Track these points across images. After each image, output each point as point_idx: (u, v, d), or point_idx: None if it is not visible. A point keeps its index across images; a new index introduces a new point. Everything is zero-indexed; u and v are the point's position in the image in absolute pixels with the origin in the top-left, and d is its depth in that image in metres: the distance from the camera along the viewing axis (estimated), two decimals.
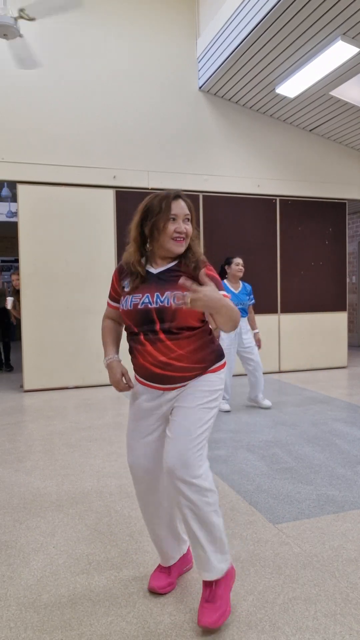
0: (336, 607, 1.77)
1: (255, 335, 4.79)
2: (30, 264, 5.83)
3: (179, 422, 1.70)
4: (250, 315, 4.81)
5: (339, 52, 5.01)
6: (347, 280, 7.44)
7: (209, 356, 1.77)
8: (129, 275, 1.77)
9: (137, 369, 1.79)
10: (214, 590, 1.70)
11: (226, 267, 4.74)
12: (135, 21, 6.16)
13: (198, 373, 1.75)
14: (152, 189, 6.27)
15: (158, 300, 1.69)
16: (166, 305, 1.67)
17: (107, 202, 6.12)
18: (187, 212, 1.73)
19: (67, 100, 5.90)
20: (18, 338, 6.50)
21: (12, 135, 5.71)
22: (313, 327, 7.13)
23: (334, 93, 5.88)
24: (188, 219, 1.74)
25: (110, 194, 6.13)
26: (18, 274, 6.00)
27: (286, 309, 6.96)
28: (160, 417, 1.80)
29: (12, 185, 6.69)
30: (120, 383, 1.82)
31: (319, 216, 7.14)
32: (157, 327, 1.69)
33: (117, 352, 1.91)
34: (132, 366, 1.92)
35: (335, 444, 3.66)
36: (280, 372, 6.96)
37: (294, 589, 1.89)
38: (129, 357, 1.86)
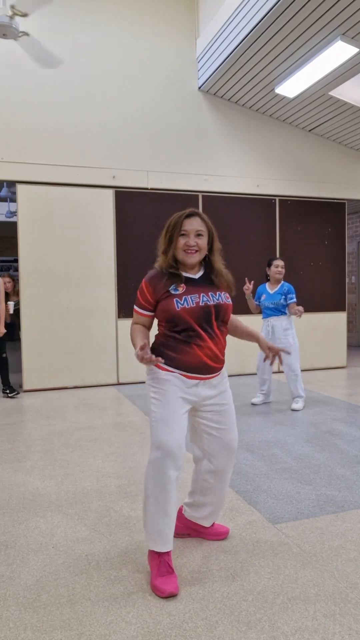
0: (335, 607, 1.77)
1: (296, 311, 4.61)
2: (29, 264, 5.82)
3: (227, 417, 2.09)
4: (291, 310, 4.69)
5: (338, 52, 5.01)
6: (347, 280, 7.44)
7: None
8: (169, 280, 1.99)
9: (189, 361, 1.97)
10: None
11: (267, 269, 4.90)
12: (135, 21, 6.15)
13: (223, 365, 2.09)
14: (151, 189, 6.27)
15: (213, 298, 2.00)
16: (221, 302, 2.01)
17: (107, 202, 6.12)
18: (199, 228, 1.99)
19: (67, 100, 5.90)
20: (17, 338, 6.50)
21: (12, 135, 5.71)
22: (312, 327, 7.13)
23: (333, 93, 5.89)
24: (200, 234, 1.99)
25: (109, 194, 6.13)
26: (8, 277, 5.98)
27: None
28: (189, 404, 2.02)
29: (12, 185, 6.69)
30: (145, 355, 1.88)
31: (319, 216, 7.14)
32: (214, 322, 1.99)
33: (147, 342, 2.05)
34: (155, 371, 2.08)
35: (335, 444, 3.67)
36: (280, 372, 6.96)
37: (293, 589, 1.89)
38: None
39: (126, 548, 2.22)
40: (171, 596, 1.84)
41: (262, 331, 4.90)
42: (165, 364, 1.99)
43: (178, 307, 1.94)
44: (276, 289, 4.82)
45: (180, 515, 2.30)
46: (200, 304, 1.96)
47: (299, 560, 2.09)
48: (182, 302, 1.95)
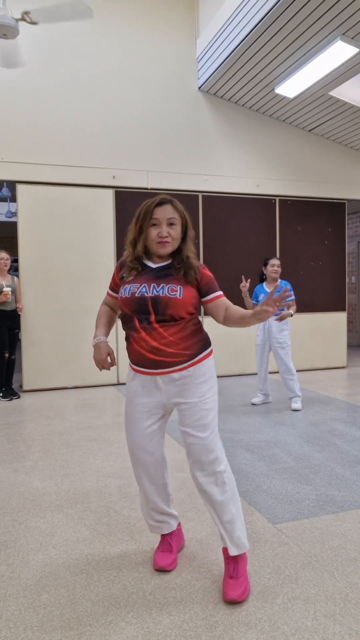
0: (335, 607, 1.77)
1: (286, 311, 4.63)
2: (29, 264, 5.82)
3: (191, 417, 1.88)
4: (291, 306, 4.68)
5: (338, 52, 5.01)
6: (347, 280, 7.44)
7: (196, 344, 1.91)
8: (128, 268, 1.93)
9: (132, 355, 1.93)
10: (237, 567, 1.89)
11: (263, 268, 4.89)
12: (135, 21, 6.15)
13: (185, 359, 1.88)
14: (151, 189, 6.27)
15: (154, 290, 1.84)
16: (161, 295, 1.83)
17: (107, 202, 6.12)
18: (172, 216, 1.85)
19: (67, 100, 5.90)
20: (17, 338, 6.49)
21: (12, 135, 5.71)
22: (312, 327, 7.13)
23: (333, 93, 5.89)
24: (172, 223, 1.86)
25: (109, 194, 6.13)
26: (5, 252, 5.86)
27: None
28: (153, 404, 1.93)
29: (12, 185, 6.69)
30: (105, 362, 1.98)
31: (319, 216, 7.14)
32: (152, 315, 1.83)
33: (107, 334, 2.07)
34: (127, 358, 2.02)
35: (335, 444, 3.67)
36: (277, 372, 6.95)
37: (293, 589, 1.89)
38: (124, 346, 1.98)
39: (126, 548, 2.22)
40: (162, 570, 2.01)
41: (261, 329, 4.90)
42: (129, 358, 1.99)
43: (120, 296, 1.92)
44: (274, 289, 4.76)
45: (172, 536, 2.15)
46: (137, 294, 1.84)
47: (299, 560, 2.09)
48: (122, 291, 1.90)
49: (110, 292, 2.08)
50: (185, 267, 1.89)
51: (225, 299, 1.96)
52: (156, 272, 1.89)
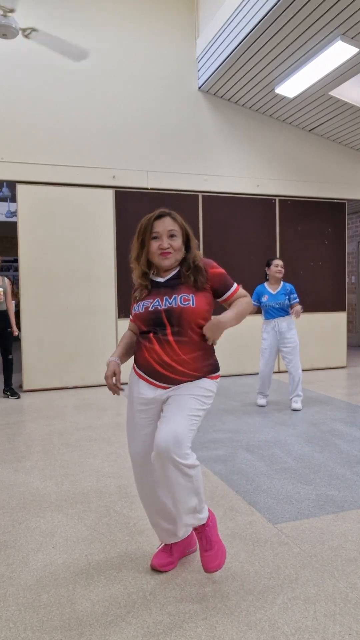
0: (335, 607, 1.77)
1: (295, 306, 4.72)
2: (29, 264, 5.82)
3: (174, 406, 1.83)
4: (296, 308, 4.75)
5: (338, 52, 5.01)
6: (347, 280, 7.44)
7: (206, 367, 1.91)
8: (139, 287, 1.96)
9: (140, 361, 1.93)
10: (208, 537, 1.86)
11: (266, 269, 4.91)
12: (135, 21, 6.15)
13: (192, 380, 1.89)
14: (151, 189, 6.27)
15: (167, 302, 1.85)
16: (174, 306, 1.83)
17: (107, 202, 6.12)
18: (171, 227, 1.87)
19: (67, 100, 5.90)
20: (17, 338, 6.48)
21: (12, 135, 5.71)
22: (312, 327, 7.13)
23: (333, 93, 5.88)
24: (173, 235, 1.88)
25: (109, 194, 6.13)
26: (8, 278, 5.96)
27: None
28: (155, 411, 1.92)
29: (12, 185, 6.69)
30: (108, 379, 1.95)
31: (319, 216, 7.14)
32: (168, 329, 1.84)
33: (122, 356, 2.04)
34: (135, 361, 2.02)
35: (335, 444, 3.67)
36: (280, 372, 6.96)
37: (293, 589, 1.89)
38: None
39: (126, 548, 2.22)
40: (154, 569, 2.02)
41: (269, 332, 4.88)
42: (135, 362, 2.00)
43: (134, 312, 1.94)
44: (279, 289, 4.84)
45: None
46: (150, 309, 1.86)
47: (299, 560, 2.09)
48: (136, 308, 1.93)
49: (130, 317, 2.06)
50: (194, 273, 1.89)
51: (242, 292, 1.97)
52: (165, 285, 1.90)
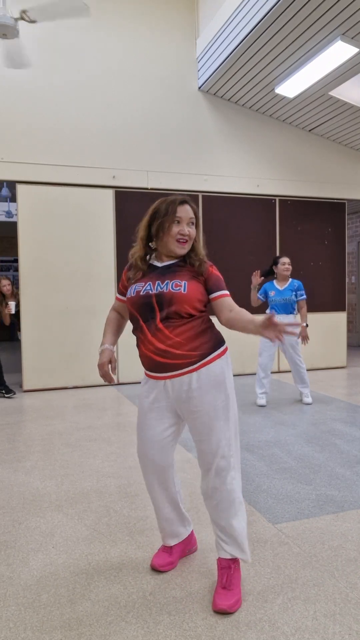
0: (335, 607, 1.77)
1: (302, 327, 4.79)
2: (29, 264, 5.82)
3: (202, 426, 1.82)
4: (301, 311, 4.92)
5: (338, 52, 5.01)
6: (347, 280, 7.44)
7: (206, 344, 1.84)
8: (135, 268, 1.93)
9: (142, 359, 1.90)
10: (231, 576, 1.83)
11: (274, 267, 4.99)
12: (135, 21, 6.15)
13: (195, 360, 1.81)
14: (151, 189, 6.27)
15: (158, 287, 1.81)
16: (165, 291, 1.79)
17: (107, 202, 6.12)
18: (192, 216, 1.86)
19: (67, 100, 5.90)
20: (17, 338, 6.49)
21: (12, 135, 5.71)
22: (312, 327, 7.13)
23: (333, 93, 5.88)
24: (192, 223, 1.87)
25: (109, 194, 6.13)
26: (8, 278, 5.98)
27: None
28: (164, 411, 1.89)
29: (12, 185, 6.69)
30: (104, 365, 1.97)
31: (318, 216, 7.14)
32: (157, 314, 1.80)
33: (114, 342, 2.06)
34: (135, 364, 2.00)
35: (335, 444, 3.67)
36: (280, 372, 6.96)
37: (293, 589, 1.89)
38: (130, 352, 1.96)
39: (126, 548, 2.22)
40: (154, 569, 2.02)
41: None
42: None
43: (127, 296, 1.91)
44: (286, 285, 4.92)
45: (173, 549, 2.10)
46: (142, 292, 1.83)
47: (299, 560, 2.09)
48: (129, 292, 1.90)
49: (119, 296, 2.05)
50: (198, 260, 1.89)
51: (230, 300, 1.88)
52: (162, 270, 1.87)
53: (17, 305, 5.96)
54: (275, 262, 4.97)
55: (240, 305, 1.96)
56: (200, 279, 1.86)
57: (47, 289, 5.90)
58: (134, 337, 1.96)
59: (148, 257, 1.94)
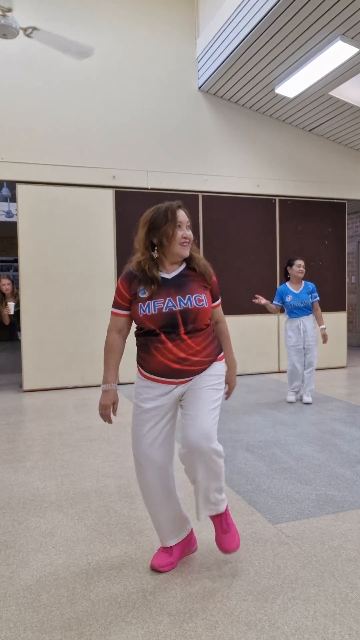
0: (335, 607, 1.77)
1: (321, 330, 4.96)
2: (29, 264, 5.82)
3: (195, 402, 1.90)
4: (316, 313, 5.05)
5: (338, 52, 5.01)
6: (347, 280, 7.44)
7: (214, 350, 2.00)
8: (142, 282, 1.91)
9: (153, 366, 1.92)
10: (226, 521, 2.02)
11: (288, 268, 5.07)
12: (135, 21, 6.15)
13: (206, 366, 1.96)
14: (151, 189, 6.27)
15: (181, 303, 1.88)
16: (190, 307, 1.88)
17: (107, 202, 6.12)
18: (188, 219, 1.96)
19: (67, 100, 5.90)
20: (17, 339, 6.49)
21: (12, 135, 5.71)
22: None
23: (333, 93, 5.88)
24: (189, 226, 1.95)
25: (109, 194, 6.13)
26: (8, 278, 6.00)
27: None
28: (166, 410, 1.95)
29: (12, 185, 6.69)
30: (107, 409, 2.00)
31: (319, 216, 7.14)
32: (181, 328, 1.88)
33: (116, 378, 2.05)
34: (135, 363, 2.04)
35: (335, 444, 3.66)
36: (279, 372, 6.96)
37: (293, 589, 1.89)
38: (133, 357, 2.01)
39: (126, 548, 2.22)
40: (154, 570, 2.02)
41: (294, 330, 5.03)
42: (141, 368, 1.99)
43: (140, 314, 1.88)
44: (301, 288, 5.02)
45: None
46: (164, 310, 1.86)
47: (299, 560, 2.09)
48: (144, 308, 1.87)
49: (120, 311, 1.98)
50: (205, 271, 1.98)
51: (220, 310, 2.09)
52: (173, 282, 1.92)
53: (17, 306, 5.97)
54: (290, 263, 5.04)
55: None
56: (208, 288, 1.99)
57: (47, 289, 5.90)
58: (132, 339, 1.97)
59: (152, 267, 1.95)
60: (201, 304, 1.90)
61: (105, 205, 6.11)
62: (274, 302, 5.07)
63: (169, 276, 1.93)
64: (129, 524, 2.45)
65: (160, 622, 1.71)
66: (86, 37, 5.94)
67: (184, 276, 1.94)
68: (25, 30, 3.74)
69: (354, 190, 7.29)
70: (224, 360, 2.05)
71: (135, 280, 1.92)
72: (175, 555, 2.07)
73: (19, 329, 5.99)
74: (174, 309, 1.86)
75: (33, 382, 5.89)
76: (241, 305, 6.61)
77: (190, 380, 1.94)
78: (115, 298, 1.99)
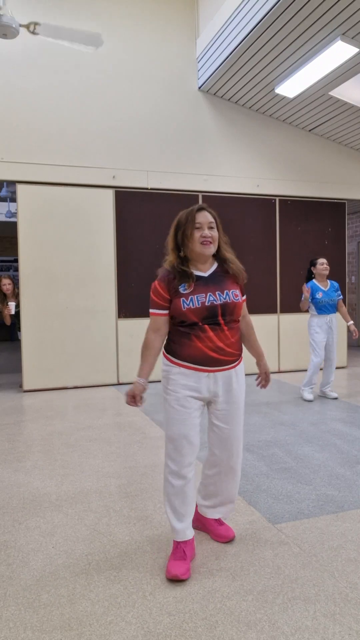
0: (335, 607, 1.77)
1: (350, 326, 5.13)
2: (29, 264, 5.82)
3: (236, 418, 2.15)
4: (342, 310, 5.23)
5: (338, 52, 5.01)
6: (347, 280, 7.44)
7: (240, 345, 2.19)
8: (181, 279, 2.06)
9: (191, 351, 2.04)
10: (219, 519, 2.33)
11: (312, 268, 5.24)
12: (135, 21, 6.15)
13: (236, 358, 2.13)
14: (151, 189, 6.27)
15: (220, 297, 2.06)
16: (228, 301, 2.06)
17: (107, 202, 6.12)
18: (211, 220, 2.10)
19: (67, 100, 5.90)
20: (17, 339, 6.50)
21: (12, 135, 5.71)
22: None
23: (333, 93, 5.88)
24: (212, 227, 2.10)
25: (109, 194, 6.13)
26: (9, 277, 6.00)
27: (286, 309, 6.96)
28: (200, 397, 2.09)
29: (12, 185, 6.69)
30: (137, 397, 2.10)
31: (319, 216, 7.14)
32: (220, 319, 2.05)
33: (149, 375, 2.15)
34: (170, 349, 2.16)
35: (335, 443, 3.67)
36: (279, 372, 6.96)
37: (293, 589, 1.89)
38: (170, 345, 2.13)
39: (126, 548, 2.22)
40: (175, 579, 1.95)
41: (322, 326, 5.16)
42: (173, 356, 2.09)
43: (184, 308, 2.02)
44: (329, 287, 5.17)
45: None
46: (207, 303, 2.03)
47: (299, 560, 2.09)
48: (188, 302, 2.02)
49: (159, 311, 2.10)
50: (235, 270, 2.14)
51: (245, 305, 2.24)
52: (211, 279, 2.09)
53: (17, 306, 5.97)
54: (313, 263, 5.20)
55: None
56: (239, 285, 2.17)
57: (47, 289, 5.90)
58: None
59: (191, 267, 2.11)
60: (237, 298, 2.10)
61: (105, 205, 6.11)
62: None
63: (205, 274, 2.10)
64: (128, 524, 2.45)
65: (160, 622, 1.71)
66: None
67: (219, 274, 2.12)
68: (28, 27, 3.71)
69: (354, 190, 7.29)
70: (243, 359, 2.21)
71: (173, 279, 2.06)
72: (189, 558, 2.04)
73: (19, 329, 5.99)
74: (215, 302, 2.03)
75: (33, 382, 5.89)
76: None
77: (220, 370, 2.07)
78: (153, 299, 2.10)
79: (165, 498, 2.09)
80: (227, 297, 2.07)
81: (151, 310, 2.12)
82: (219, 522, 2.30)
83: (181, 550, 2.04)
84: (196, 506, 2.34)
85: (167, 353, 2.12)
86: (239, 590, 1.88)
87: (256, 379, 2.31)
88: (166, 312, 2.09)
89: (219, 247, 2.14)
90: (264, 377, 2.31)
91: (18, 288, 6.01)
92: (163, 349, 2.17)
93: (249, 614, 1.75)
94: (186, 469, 2.05)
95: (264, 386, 2.33)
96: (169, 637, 1.64)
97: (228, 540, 2.25)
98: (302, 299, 5.06)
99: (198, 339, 2.03)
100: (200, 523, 2.35)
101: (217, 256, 2.16)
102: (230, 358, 2.10)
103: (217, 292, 2.06)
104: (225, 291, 2.07)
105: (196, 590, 1.89)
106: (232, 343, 2.10)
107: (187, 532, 2.07)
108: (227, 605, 1.80)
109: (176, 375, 2.07)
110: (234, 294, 2.09)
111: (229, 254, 2.17)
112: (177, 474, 2.05)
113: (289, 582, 1.93)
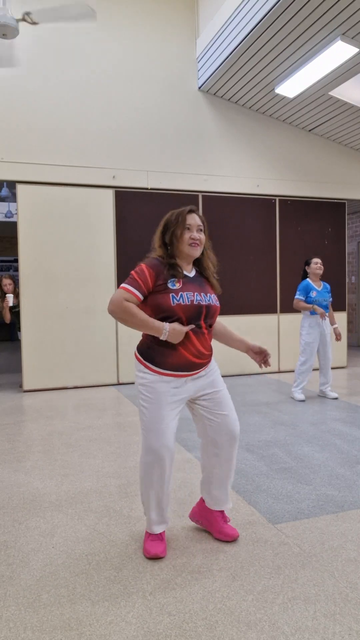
0: (335, 607, 1.77)
1: (335, 329, 5.20)
2: (29, 264, 5.82)
3: (226, 402, 2.18)
4: (330, 312, 5.26)
5: (338, 52, 5.01)
6: (347, 280, 7.44)
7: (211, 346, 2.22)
8: (170, 275, 2.05)
9: (175, 360, 2.05)
10: (225, 515, 2.32)
11: (306, 267, 5.29)
12: (135, 21, 6.15)
13: (210, 359, 2.17)
14: (151, 189, 6.27)
15: (205, 299, 2.10)
16: (212, 303, 2.12)
17: (107, 202, 6.12)
18: (200, 223, 2.12)
19: (67, 100, 5.90)
20: (17, 339, 6.51)
21: (12, 135, 5.71)
22: None
23: (333, 93, 5.88)
24: (201, 230, 2.13)
25: (109, 194, 6.13)
26: (9, 277, 6.01)
27: (285, 309, 6.96)
28: (181, 403, 2.12)
29: (12, 185, 6.69)
30: (183, 328, 2.02)
31: (319, 216, 7.14)
32: (202, 321, 2.08)
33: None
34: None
35: (335, 443, 3.67)
36: (279, 372, 6.96)
37: (293, 589, 1.89)
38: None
39: (126, 548, 2.22)
40: (155, 558, 2.10)
41: (314, 327, 5.15)
42: (154, 364, 2.07)
43: (174, 303, 2.02)
44: (322, 287, 5.21)
45: (199, 501, 2.37)
46: (195, 302, 2.05)
47: (299, 560, 2.09)
48: (178, 298, 2.02)
49: (135, 291, 2.00)
50: (214, 284, 2.20)
51: None
52: (195, 280, 2.13)
53: (17, 306, 5.97)
54: (308, 262, 5.25)
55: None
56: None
57: (47, 289, 5.90)
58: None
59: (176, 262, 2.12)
60: (217, 302, 2.16)
61: (105, 205, 6.11)
62: (298, 296, 5.17)
63: (190, 275, 2.14)
64: (129, 523, 2.45)
65: (160, 622, 1.71)
66: (86, 37, 5.95)
67: (199, 277, 2.17)
68: (24, 19, 3.70)
69: (354, 190, 7.29)
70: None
71: (165, 272, 2.05)
72: (164, 539, 2.19)
73: (19, 329, 5.99)
74: (202, 303, 2.07)
75: (33, 382, 5.89)
76: (241, 305, 6.62)
77: (197, 373, 2.11)
78: (134, 278, 2.02)
79: (145, 495, 2.15)
80: (210, 299, 2.12)
81: (126, 286, 2.00)
82: (224, 519, 2.31)
83: (158, 534, 2.18)
84: (200, 501, 2.35)
85: (146, 360, 2.07)
86: (239, 590, 1.88)
87: (258, 361, 2.26)
88: (140, 297, 2.01)
89: (202, 253, 2.17)
90: (260, 353, 2.25)
91: (18, 288, 6.02)
92: (139, 355, 2.11)
93: (249, 614, 1.75)
94: (162, 480, 2.10)
95: (267, 363, 2.25)
96: (169, 637, 1.64)
97: (232, 539, 2.25)
98: (311, 308, 5.08)
99: (182, 346, 2.04)
100: (205, 519, 2.33)
101: (197, 261, 2.19)
102: (207, 360, 2.15)
103: (202, 294, 2.10)
104: (208, 294, 2.12)
105: (196, 590, 1.89)
106: (209, 346, 2.16)
107: (160, 526, 2.19)
108: (227, 605, 1.80)
109: (157, 383, 2.06)
110: (214, 298, 2.15)
111: (212, 266, 2.21)
112: (155, 483, 2.10)
113: (289, 582, 1.93)
